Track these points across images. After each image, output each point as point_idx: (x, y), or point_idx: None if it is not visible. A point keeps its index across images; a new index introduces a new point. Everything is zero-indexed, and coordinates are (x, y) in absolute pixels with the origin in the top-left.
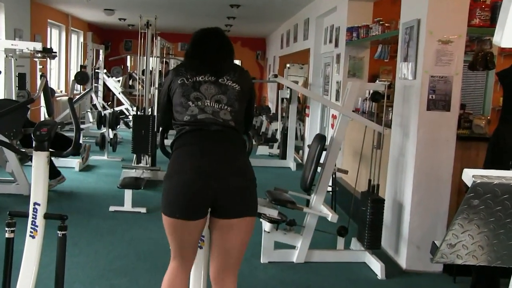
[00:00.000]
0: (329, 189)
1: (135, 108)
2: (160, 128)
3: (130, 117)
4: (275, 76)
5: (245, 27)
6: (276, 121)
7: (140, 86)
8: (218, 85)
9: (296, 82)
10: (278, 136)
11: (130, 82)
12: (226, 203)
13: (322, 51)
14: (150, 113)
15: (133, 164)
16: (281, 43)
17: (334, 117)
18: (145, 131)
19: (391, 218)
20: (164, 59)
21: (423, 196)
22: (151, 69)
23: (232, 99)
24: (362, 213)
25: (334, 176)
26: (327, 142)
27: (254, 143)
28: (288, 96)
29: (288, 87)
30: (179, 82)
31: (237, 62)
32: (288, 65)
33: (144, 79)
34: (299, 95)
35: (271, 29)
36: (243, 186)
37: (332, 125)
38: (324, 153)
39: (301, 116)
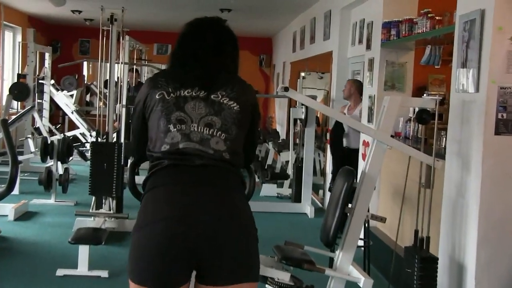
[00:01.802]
0: (361, 243)
1: (94, 133)
2: (130, 160)
3: (87, 146)
4: (285, 89)
5: (244, 23)
6: (287, 150)
7: (101, 103)
8: (210, 102)
9: (314, 97)
10: (290, 170)
11: (88, 98)
12: (215, 264)
13: (349, 55)
14: (115, 139)
15: (91, 210)
16: (293, 44)
17: (366, 144)
18: (108, 165)
19: (448, 284)
20: (135, 67)
21: (492, 254)
22: (116, 79)
23: (228, 122)
24: (407, 277)
25: (367, 225)
26: (357, 179)
27: (257, 180)
28: (303, 116)
29: (303, 104)
30: (157, 97)
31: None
32: (303, 74)
33: (107, 94)
34: (318, 115)
35: (279, 25)
36: (239, 240)
37: (364, 156)
38: (353, 193)
39: (321, 143)
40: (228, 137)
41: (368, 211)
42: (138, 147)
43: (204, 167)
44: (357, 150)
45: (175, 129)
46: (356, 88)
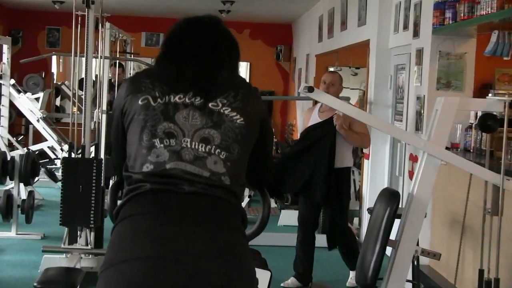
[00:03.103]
0: (408, 286)
1: (66, 147)
2: (112, 181)
3: (58, 163)
4: (310, 89)
5: (256, 6)
6: None
7: (75, 108)
8: (208, 112)
9: (347, 100)
10: None
11: (58, 102)
12: None
13: (391, 45)
14: (93, 154)
15: (62, 245)
16: (319, 32)
17: (413, 159)
18: (85, 187)
19: None
20: (118, 61)
21: None
22: (94, 78)
23: (229, 138)
24: None
25: (416, 263)
26: (402, 203)
27: (273, 205)
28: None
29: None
30: (140, 102)
31: (242, 66)
32: (332, 70)
33: (83, 96)
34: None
35: (301, 8)
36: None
37: (411, 174)
38: (397, 222)
39: (356, 157)
40: (230, 156)
41: (418, 245)
42: (119, 164)
43: (194, 196)
44: (345, 170)
45: (161, 145)
46: (341, 83)
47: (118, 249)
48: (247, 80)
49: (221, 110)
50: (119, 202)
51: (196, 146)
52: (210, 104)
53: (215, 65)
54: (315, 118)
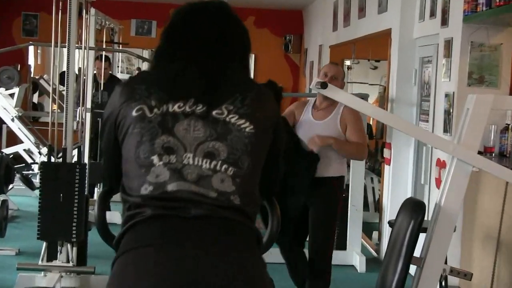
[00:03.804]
0: None
1: (45, 150)
2: (98, 189)
3: (35, 168)
4: (323, 85)
5: None
6: None
7: (55, 106)
8: (212, 122)
9: (365, 97)
10: None
11: (36, 98)
12: None
13: (416, 35)
14: (75, 158)
15: (40, 262)
16: (334, 20)
17: (441, 164)
18: (66, 195)
19: None
20: (104, 53)
21: None
22: (77, 71)
23: (238, 150)
24: None
25: (444, 283)
26: (428, 215)
27: None
28: None
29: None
30: (134, 113)
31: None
32: (348, 63)
33: (65, 92)
34: (371, 122)
35: None
36: None
37: (438, 181)
38: (422, 236)
39: (375, 163)
40: (238, 172)
41: (446, 263)
42: (110, 177)
43: (203, 220)
44: (331, 180)
45: (160, 162)
46: (343, 78)
47: (119, 287)
48: (252, 75)
49: (227, 119)
50: (108, 215)
51: (200, 163)
52: (214, 112)
53: (222, 64)
54: (307, 116)
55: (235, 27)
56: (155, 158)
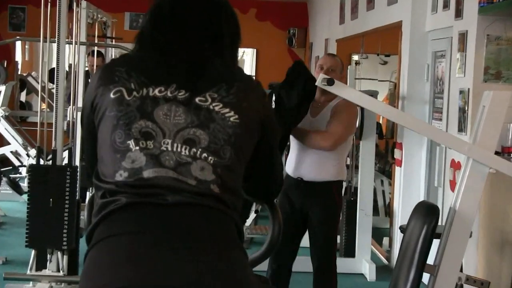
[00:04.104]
0: None
1: (33, 152)
2: (89, 193)
3: (23, 171)
4: (329, 81)
5: None
6: None
7: (44, 105)
8: (194, 108)
9: (375, 94)
10: None
11: (24, 97)
12: None
13: (429, 27)
14: (66, 161)
15: (28, 272)
16: (341, 12)
17: (456, 166)
18: (56, 200)
19: None
20: (96, 48)
21: None
22: (68, 68)
23: (219, 140)
24: None
25: None
26: (442, 220)
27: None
28: (357, 124)
29: (356, 106)
30: (112, 95)
31: (247, 53)
32: (356, 58)
33: (54, 90)
34: (381, 121)
35: None
36: None
37: (452, 184)
38: (436, 243)
39: (385, 164)
40: (219, 162)
41: (461, 271)
42: (92, 163)
43: (181, 207)
44: (319, 185)
45: (137, 147)
46: (342, 71)
47: (93, 278)
48: (254, 71)
49: (211, 106)
50: None
51: (179, 149)
52: (197, 99)
53: (209, 52)
54: (307, 113)
55: (226, 15)
56: (131, 143)
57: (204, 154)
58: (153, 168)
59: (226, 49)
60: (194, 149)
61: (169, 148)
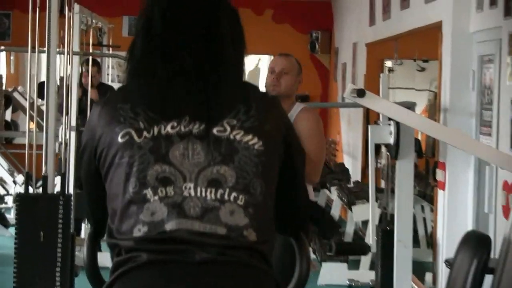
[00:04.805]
0: None
1: (20, 179)
2: (85, 225)
3: (9, 201)
4: (360, 93)
5: None
6: (364, 201)
7: (32, 124)
8: (213, 142)
9: (412, 107)
10: (371, 238)
11: (9, 115)
12: None
13: (474, 28)
14: (58, 188)
15: None
16: (371, 12)
17: (508, 188)
18: (48, 234)
19: None
20: (90, 58)
21: None
22: (59, 81)
23: (248, 173)
24: None
25: None
26: (495, 253)
27: (312, 257)
28: (391, 141)
29: (390, 119)
30: (120, 140)
31: (263, 60)
32: (389, 65)
33: (44, 107)
34: (419, 137)
35: None
36: None
37: (506, 210)
38: (488, 278)
39: (426, 187)
40: (251, 200)
41: None
42: (93, 212)
43: (209, 266)
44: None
45: (156, 197)
46: (300, 73)
47: None
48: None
49: (231, 136)
50: (99, 257)
51: (203, 194)
52: (214, 130)
53: (217, 69)
54: None
55: (229, 20)
56: (148, 192)
57: (234, 194)
58: (177, 220)
59: (234, 63)
60: (221, 190)
61: (192, 194)
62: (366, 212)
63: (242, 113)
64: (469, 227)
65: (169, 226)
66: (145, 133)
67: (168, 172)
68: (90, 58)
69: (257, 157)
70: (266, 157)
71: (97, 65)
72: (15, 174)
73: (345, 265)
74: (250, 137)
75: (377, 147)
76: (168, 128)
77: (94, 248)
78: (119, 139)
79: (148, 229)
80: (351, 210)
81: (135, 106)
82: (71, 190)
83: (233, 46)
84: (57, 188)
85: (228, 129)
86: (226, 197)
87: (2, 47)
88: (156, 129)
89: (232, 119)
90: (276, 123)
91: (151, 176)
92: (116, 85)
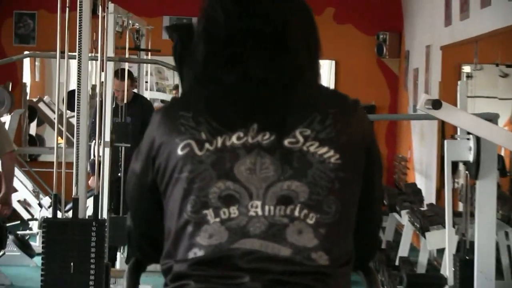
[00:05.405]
0: None
1: (47, 201)
2: (120, 254)
3: (34, 226)
4: (435, 104)
5: None
6: (440, 226)
7: (61, 140)
8: (284, 155)
9: (494, 119)
10: (447, 269)
11: (34, 129)
12: None
13: None
14: (90, 211)
15: None
16: (446, 11)
17: None
18: (78, 264)
19: None
20: (127, 65)
21: None
22: (90, 91)
23: (322, 189)
24: None
25: None
26: None
27: None
28: (471, 158)
29: (469, 133)
30: (180, 152)
31: (323, 66)
32: (467, 70)
33: (75, 119)
34: (502, 153)
35: None
36: None
37: None
38: None
39: (511, 211)
40: (323, 219)
41: None
42: (141, 238)
43: None
44: None
45: (217, 219)
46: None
47: None
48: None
49: (304, 148)
50: None
51: (272, 212)
52: (286, 141)
53: (289, 71)
54: None
55: (302, 16)
56: (209, 213)
57: (305, 211)
58: (241, 240)
59: (308, 65)
60: (291, 207)
61: (259, 213)
62: (442, 239)
63: (317, 122)
64: None
65: (232, 245)
66: (207, 145)
67: (232, 189)
68: (126, 67)
69: (333, 172)
70: (344, 172)
71: (130, 77)
72: (41, 196)
73: None
74: (326, 150)
75: (454, 165)
76: (234, 139)
77: (135, 281)
78: (179, 151)
79: (204, 253)
80: (425, 237)
81: (197, 115)
82: (105, 215)
83: (306, 50)
84: (89, 212)
85: (301, 140)
86: (296, 213)
87: (26, 52)
88: (219, 141)
89: (305, 128)
90: (356, 132)
91: (213, 195)
92: (154, 95)
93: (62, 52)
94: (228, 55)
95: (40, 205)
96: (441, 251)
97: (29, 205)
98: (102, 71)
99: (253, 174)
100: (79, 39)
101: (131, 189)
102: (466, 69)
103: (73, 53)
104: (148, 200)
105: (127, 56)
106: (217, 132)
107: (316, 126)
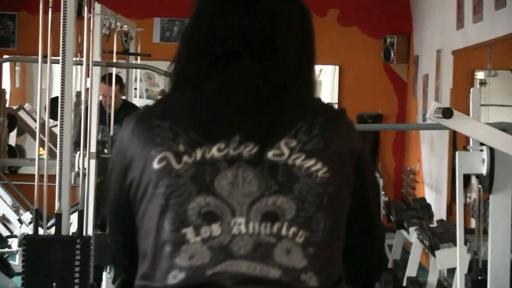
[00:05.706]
0: None
1: (28, 217)
2: (106, 273)
3: (13, 244)
4: (446, 113)
5: None
6: (451, 244)
7: (43, 150)
8: (268, 168)
9: (509, 129)
10: None
11: (13, 139)
12: None
13: None
14: (73, 228)
15: None
16: (458, 13)
17: None
18: (61, 284)
19: None
20: (115, 70)
21: None
22: (74, 98)
23: (310, 205)
24: None
25: None
26: None
27: None
28: (484, 171)
29: (483, 144)
30: (156, 165)
31: (327, 71)
32: (481, 76)
33: (58, 129)
34: None
35: None
36: None
37: None
38: None
39: None
40: (312, 237)
41: None
42: (121, 259)
43: None
44: None
45: (197, 238)
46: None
47: None
48: (336, 96)
49: (290, 161)
50: None
51: (257, 229)
52: (270, 154)
53: (275, 78)
54: None
55: (296, 19)
56: (189, 232)
57: (293, 229)
58: (221, 264)
59: (298, 72)
60: (278, 224)
61: (243, 231)
62: (453, 258)
63: (304, 132)
64: None
65: (211, 271)
66: (185, 158)
67: (213, 205)
68: (114, 72)
69: (321, 187)
70: (333, 186)
71: (119, 82)
72: (21, 211)
73: None
74: (313, 162)
75: (466, 178)
76: (214, 151)
77: None
78: (155, 165)
79: (185, 276)
80: (434, 256)
81: (174, 125)
82: (90, 231)
83: (297, 55)
84: (73, 229)
85: (286, 152)
86: (284, 231)
87: (6, 56)
88: (199, 153)
89: (291, 139)
90: (344, 143)
91: (192, 211)
92: (143, 102)
93: (45, 56)
94: (209, 57)
95: (20, 221)
96: (452, 271)
97: (8, 221)
98: (88, 76)
99: (235, 188)
100: (63, 42)
101: (108, 204)
102: (480, 75)
103: (57, 57)
104: (124, 216)
105: (114, 60)
106: (196, 144)
107: (302, 136)
